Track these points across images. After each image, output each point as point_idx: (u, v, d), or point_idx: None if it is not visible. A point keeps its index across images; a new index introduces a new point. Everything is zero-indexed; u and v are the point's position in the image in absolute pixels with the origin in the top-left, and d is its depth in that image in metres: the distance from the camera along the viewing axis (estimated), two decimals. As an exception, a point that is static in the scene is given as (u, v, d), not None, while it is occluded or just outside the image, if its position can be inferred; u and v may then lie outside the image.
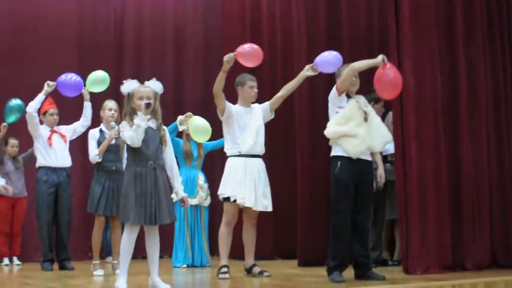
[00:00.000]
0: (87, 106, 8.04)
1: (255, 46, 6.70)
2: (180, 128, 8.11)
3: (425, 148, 6.55)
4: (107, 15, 10.92)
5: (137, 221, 5.31)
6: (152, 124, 5.51)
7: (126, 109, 5.53)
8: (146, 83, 5.56)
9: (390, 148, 7.16)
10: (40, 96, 7.82)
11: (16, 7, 10.16)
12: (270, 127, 7.18)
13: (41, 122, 8.14)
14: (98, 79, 7.75)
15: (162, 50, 11.25)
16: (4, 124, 8.58)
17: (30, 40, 10.10)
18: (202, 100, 10.98)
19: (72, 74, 7.76)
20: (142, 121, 5.39)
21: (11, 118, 8.30)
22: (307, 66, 6.78)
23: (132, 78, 5.71)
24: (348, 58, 6.74)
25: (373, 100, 7.27)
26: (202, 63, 11.41)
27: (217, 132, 7.75)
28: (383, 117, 8.04)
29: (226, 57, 6.45)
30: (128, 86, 5.53)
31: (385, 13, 7.36)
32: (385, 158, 7.65)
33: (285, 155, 9.16)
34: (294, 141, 8.31)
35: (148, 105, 5.42)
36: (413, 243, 6.37)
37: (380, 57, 5.85)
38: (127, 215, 5.31)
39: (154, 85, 5.57)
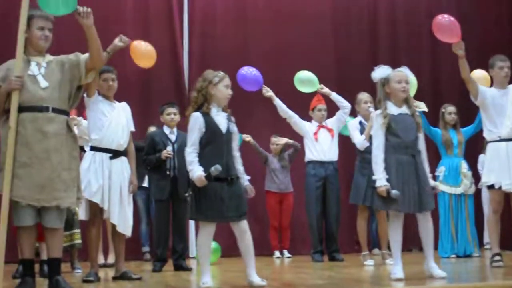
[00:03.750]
0: (335, 96, 8.18)
1: (452, 19, 6.36)
2: None
3: None
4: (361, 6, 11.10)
5: (403, 209, 5.31)
6: (407, 110, 5.49)
7: (380, 95, 5.55)
8: (400, 69, 5.56)
9: None
10: (275, 101, 8.10)
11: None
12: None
13: (311, 119, 8.43)
14: (306, 80, 7.90)
15: (417, 39, 11.17)
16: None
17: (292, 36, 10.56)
18: (460, 87, 10.73)
19: (253, 69, 7.92)
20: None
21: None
22: None
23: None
24: None
25: None
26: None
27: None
28: None
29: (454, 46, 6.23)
30: (381, 71, 5.55)
31: None
32: None
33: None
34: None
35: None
36: None
37: None
38: (390, 204, 5.34)
39: (407, 72, 5.56)
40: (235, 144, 5.19)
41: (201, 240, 5.06)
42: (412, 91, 7.67)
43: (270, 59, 10.30)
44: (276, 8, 10.69)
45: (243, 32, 10.57)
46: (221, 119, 5.09)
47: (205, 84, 5.09)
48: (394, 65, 5.79)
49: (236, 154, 5.18)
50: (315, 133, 8.27)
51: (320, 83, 8.26)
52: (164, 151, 7.15)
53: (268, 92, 8.06)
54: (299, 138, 8.75)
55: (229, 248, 8.38)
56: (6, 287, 4.90)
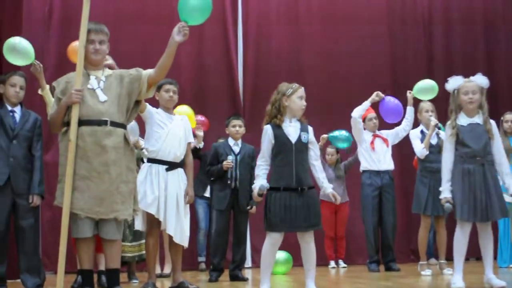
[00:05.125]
0: (410, 111, 8.11)
1: None
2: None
3: None
4: (415, 14, 11.05)
5: (469, 218, 5.28)
6: (479, 119, 5.47)
7: (452, 106, 5.56)
8: (472, 78, 5.55)
9: None
10: (366, 104, 8.03)
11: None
12: None
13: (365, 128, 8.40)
14: (427, 87, 7.85)
15: (473, 44, 11.09)
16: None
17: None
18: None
19: (394, 99, 7.96)
20: None
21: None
22: None
23: (443, 79, 5.79)
24: None
25: None
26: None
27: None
28: None
29: None
30: (454, 82, 5.56)
31: None
32: None
33: None
34: None
35: None
36: None
37: None
38: (457, 212, 5.31)
39: (480, 80, 5.53)
40: (313, 153, 5.18)
41: (265, 248, 5.09)
42: (430, 96, 7.70)
43: (324, 65, 10.30)
44: (330, 13, 10.67)
45: (297, 40, 10.56)
46: (293, 129, 5.12)
47: (278, 96, 5.16)
48: (449, 71, 5.79)
49: (315, 162, 5.18)
50: (371, 142, 8.23)
51: (375, 88, 8.26)
52: (225, 162, 7.18)
53: (377, 96, 8.01)
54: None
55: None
56: (66, 297, 4.99)
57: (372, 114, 8.35)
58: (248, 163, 7.34)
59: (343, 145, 8.87)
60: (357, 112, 8.04)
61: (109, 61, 5.53)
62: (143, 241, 6.97)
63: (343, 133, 8.81)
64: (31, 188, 5.53)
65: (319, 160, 5.23)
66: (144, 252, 7.01)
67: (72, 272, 6.88)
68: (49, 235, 8.94)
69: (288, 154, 5.05)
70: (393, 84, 10.31)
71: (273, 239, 5.03)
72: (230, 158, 7.23)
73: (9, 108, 5.67)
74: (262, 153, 5.12)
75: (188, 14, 4.91)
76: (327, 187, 5.16)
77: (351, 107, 8.16)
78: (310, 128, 5.21)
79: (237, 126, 7.38)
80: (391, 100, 8.07)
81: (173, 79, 6.25)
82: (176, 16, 4.97)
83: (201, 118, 8.87)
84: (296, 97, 5.14)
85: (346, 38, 10.56)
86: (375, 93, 7.99)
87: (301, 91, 5.18)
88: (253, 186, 5.07)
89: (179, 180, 6.02)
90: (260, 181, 5.03)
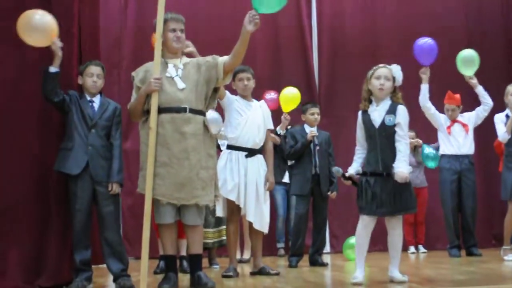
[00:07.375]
0: (479, 91, 7.97)
1: None
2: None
3: None
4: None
5: None
6: None
7: None
8: None
9: None
10: (423, 87, 7.85)
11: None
12: None
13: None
14: (468, 59, 7.70)
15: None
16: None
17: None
18: None
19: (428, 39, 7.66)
20: None
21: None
22: None
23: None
24: None
25: None
26: None
27: None
28: None
29: None
30: None
31: None
32: None
33: None
34: None
35: None
36: None
37: None
38: None
39: None
40: (396, 135, 4.98)
41: (358, 231, 5.11)
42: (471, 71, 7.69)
43: (399, 55, 10.07)
44: (406, 2, 10.50)
45: (372, 21, 10.41)
46: (377, 114, 5.06)
47: (364, 81, 5.16)
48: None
49: (396, 144, 4.97)
50: (448, 127, 8.12)
51: (454, 80, 8.09)
52: (309, 133, 7.21)
53: (424, 74, 7.83)
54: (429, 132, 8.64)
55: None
56: (150, 282, 5.06)
57: (449, 105, 8.18)
58: (325, 149, 7.32)
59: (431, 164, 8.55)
60: (421, 99, 7.93)
61: (190, 48, 5.58)
62: (223, 227, 7.01)
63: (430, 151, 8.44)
64: (110, 176, 5.51)
65: (402, 141, 4.98)
66: (224, 238, 7.06)
67: (154, 257, 6.98)
68: (130, 221, 9.10)
69: (373, 139, 5.03)
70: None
71: (364, 221, 5.03)
72: (313, 129, 7.26)
73: (88, 98, 5.67)
74: (357, 139, 5.18)
75: (259, 2, 4.87)
76: (395, 166, 4.94)
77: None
78: (400, 108, 5.03)
79: (315, 114, 7.36)
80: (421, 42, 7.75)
81: (245, 65, 6.24)
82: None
83: (274, 95, 8.81)
84: (373, 78, 5.08)
85: (422, 26, 10.31)
86: (420, 72, 7.77)
87: (380, 71, 5.08)
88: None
89: (258, 167, 6.06)
90: (351, 166, 5.11)
